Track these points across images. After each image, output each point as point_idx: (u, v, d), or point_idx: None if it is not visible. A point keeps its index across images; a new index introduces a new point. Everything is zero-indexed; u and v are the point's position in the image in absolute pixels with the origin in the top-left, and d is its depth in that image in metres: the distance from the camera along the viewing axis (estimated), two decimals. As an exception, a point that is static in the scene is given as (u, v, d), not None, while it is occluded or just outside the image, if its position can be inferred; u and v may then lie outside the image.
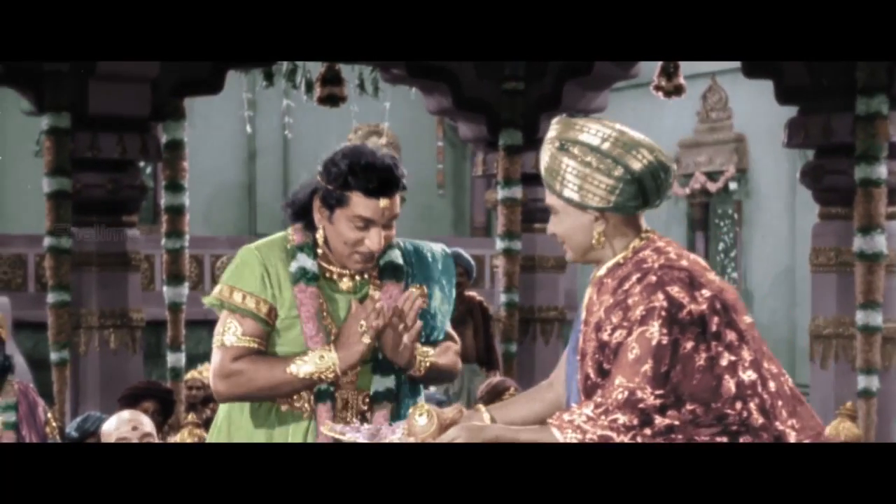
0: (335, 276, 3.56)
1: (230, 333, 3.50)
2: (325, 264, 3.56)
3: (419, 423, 3.05)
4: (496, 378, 7.60)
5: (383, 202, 3.43)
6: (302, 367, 3.44)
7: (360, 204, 3.42)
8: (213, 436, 3.68)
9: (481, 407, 3.25)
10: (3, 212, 17.12)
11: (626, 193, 3.02)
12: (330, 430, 3.32)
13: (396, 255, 3.60)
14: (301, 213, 3.56)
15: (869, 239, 8.34)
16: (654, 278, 2.97)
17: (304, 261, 3.52)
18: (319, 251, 3.56)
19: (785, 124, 9.19)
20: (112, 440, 5.05)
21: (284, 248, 3.57)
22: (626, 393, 2.90)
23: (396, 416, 3.55)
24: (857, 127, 8.35)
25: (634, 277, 3.00)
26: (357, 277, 3.57)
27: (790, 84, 8.88)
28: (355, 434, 3.24)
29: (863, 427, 8.09)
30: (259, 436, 3.56)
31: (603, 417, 2.90)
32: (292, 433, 3.53)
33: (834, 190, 8.89)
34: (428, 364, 3.56)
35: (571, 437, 2.91)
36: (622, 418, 2.89)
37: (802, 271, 12.53)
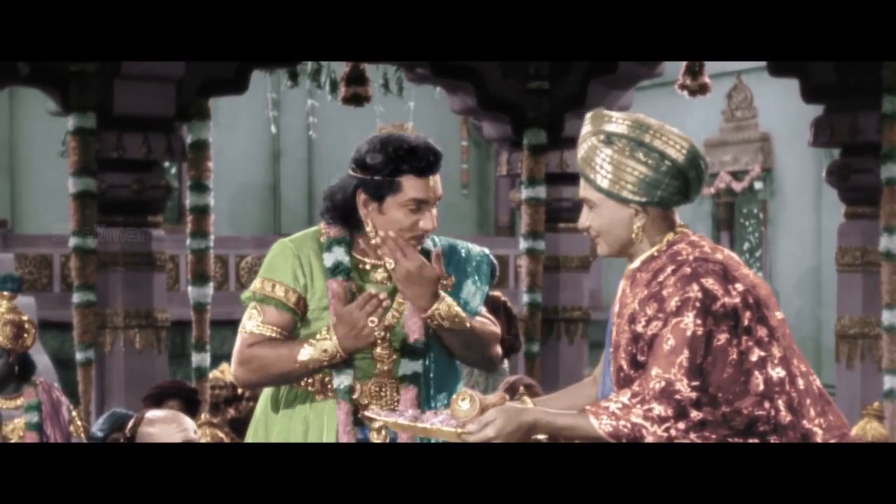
0: (368, 267, 3.59)
1: (251, 321, 3.55)
2: (359, 256, 3.59)
3: (462, 408, 3.06)
4: (514, 377, 7.60)
5: (432, 180, 3.50)
6: (306, 352, 3.47)
7: (412, 186, 3.47)
8: (252, 434, 3.71)
9: (527, 399, 3.26)
10: (29, 212, 17.19)
11: (671, 188, 3.05)
12: (375, 413, 3.33)
13: (428, 245, 3.62)
14: (345, 214, 3.57)
15: (895, 238, 8.29)
16: (688, 270, 2.98)
17: (340, 255, 3.56)
18: (355, 239, 3.59)
19: (811, 123, 9.15)
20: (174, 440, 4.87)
21: (317, 241, 3.60)
22: (664, 383, 2.90)
23: (426, 401, 3.58)
24: (884, 125, 8.31)
25: (669, 269, 3.01)
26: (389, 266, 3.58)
27: (816, 83, 8.85)
28: (398, 417, 3.25)
29: (889, 427, 8.05)
30: (296, 429, 3.57)
31: (639, 406, 2.90)
32: (327, 426, 3.55)
33: (860, 189, 8.85)
34: (452, 311, 3.52)
35: (606, 423, 2.91)
36: (658, 408, 2.89)
37: (828, 271, 12.49)
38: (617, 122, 3.05)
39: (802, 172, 15.23)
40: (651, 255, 3.09)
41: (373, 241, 3.55)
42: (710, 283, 2.95)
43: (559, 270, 9.77)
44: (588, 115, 3.13)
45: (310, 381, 3.59)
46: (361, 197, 3.51)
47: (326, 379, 3.57)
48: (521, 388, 6.56)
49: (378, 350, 3.57)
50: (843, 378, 9.09)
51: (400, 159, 3.45)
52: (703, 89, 9.27)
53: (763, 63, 9.74)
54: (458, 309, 3.55)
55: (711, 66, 9.30)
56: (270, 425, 3.64)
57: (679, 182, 3.04)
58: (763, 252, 16.08)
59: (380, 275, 3.59)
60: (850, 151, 8.94)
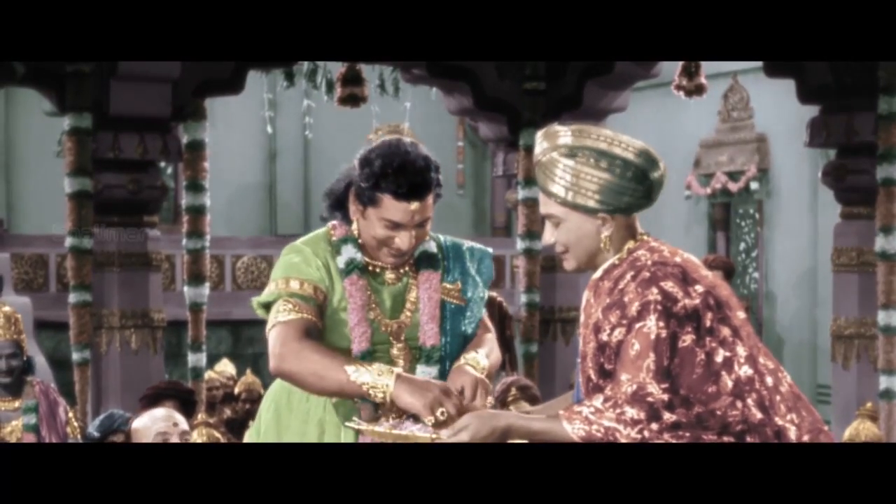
0: (378, 269, 3.56)
1: (285, 312, 3.42)
2: (367, 258, 3.56)
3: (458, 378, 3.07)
4: (511, 377, 7.60)
5: (413, 205, 3.41)
6: (359, 374, 3.30)
7: (390, 207, 3.41)
8: (259, 435, 3.64)
9: (512, 409, 3.26)
10: (25, 212, 17.18)
11: (637, 192, 3.05)
12: (355, 423, 3.32)
13: (431, 246, 3.61)
14: (337, 205, 3.56)
15: (891, 239, 8.30)
16: (647, 274, 2.99)
17: (352, 252, 3.53)
18: (360, 242, 3.56)
19: (807, 124, 9.16)
20: (151, 436, 4.98)
21: (329, 241, 3.56)
22: (635, 386, 2.91)
23: None
24: (880, 126, 8.32)
25: (629, 276, 3.03)
26: (400, 269, 3.58)
27: (812, 83, 8.86)
28: (376, 425, 3.24)
29: (884, 428, 8.06)
30: (311, 433, 3.53)
31: (611, 410, 2.91)
32: (344, 431, 3.48)
33: (856, 189, 8.87)
34: (485, 371, 3.51)
35: (579, 427, 2.92)
36: (630, 411, 2.90)
37: (824, 271, 12.49)
38: (573, 135, 3.05)
39: (798, 173, 15.24)
40: (612, 264, 3.11)
41: (360, 241, 3.54)
42: (669, 285, 2.96)
43: (556, 271, 9.78)
44: (540, 133, 3.12)
45: None
46: (351, 196, 3.51)
47: None
48: (514, 391, 6.56)
49: (394, 351, 3.54)
50: (838, 378, 9.10)
51: (381, 177, 3.39)
52: (699, 90, 9.28)
53: (759, 64, 9.74)
54: (484, 365, 3.50)
55: (707, 67, 9.31)
56: (282, 428, 3.58)
57: (644, 186, 3.05)
58: (759, 252, 16.08)
59: (388, 276, 3.57)
60: (846, 152, 8.95)
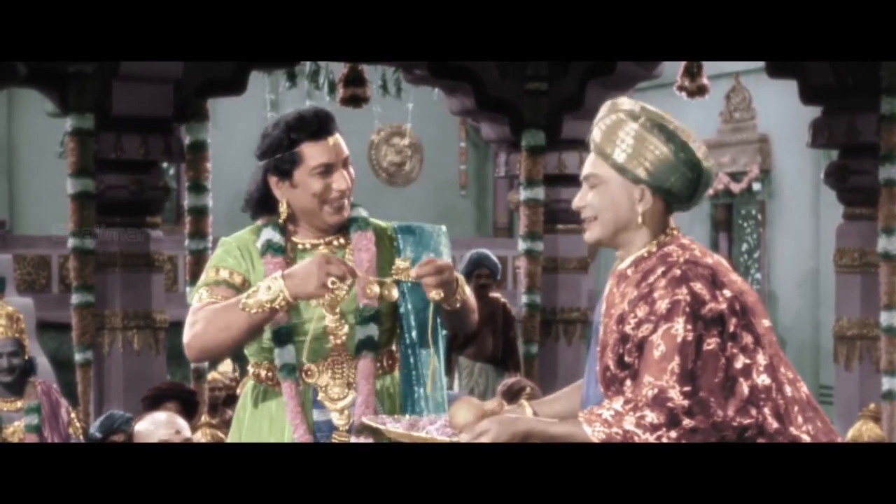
0: (308, 247, 3.58)
1: (196, 300, 3.51)
2: (296, 239, 3.58)
3: (458, 416, 3.05)
4: (512, 378, 7.61)
5: (332, 140, 3.50)
6: (255, 299, 3.32)
7: (312, 153, 3.47)
8: (231, 435, 3.71)
9: (524, 402, 3.25)
10: (27, 213, 17.18)
11: (684, 178, 3.04)
12: (371, 420, 3.31)
13: (358, 210, 3.63)
14: (260, 204, 3.59)
15: (893, 239, 8.30)
16: (678, 272, 2.97)
17: (270, 234, 3.56)
18: (289, 227, 3.58)
19: (809, 124, 9.16)
20: (153, 441, 4.99)
21: (255, 231, 3.61)
22: (656, 390, 2.89)
23: (382, 367, 3.58)
24: (882, 127, 8.32)
25: (659, 271, 3.00)
26: (333, 243, 3.58)
27: (814, 84, 8.86)
28: (394, 424, 3.23)
29: (887, 429, 8.06)
30: (263, 426, 3.56)
31: (631, 413, 2.89)
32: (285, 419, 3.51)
33: (858, 190, 8.86)
34: (464, 296, 3.51)
35: (599, 430, 2.90)
36: (650, 416, 2.88)
37: (826, 272, 12.48)
38: (643, 107, 3.08)
39: (801, 174, 15.23)
40: (641, 256, 3.08)
41: (282, 222, 3.55)
42: (698, 287, 2.94)
43: (557, 272, 9.78)
44: (607, 103, 3.13)
45: (268, 374, 3.56)
46: (273, 180, 3.53)
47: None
48: (529, 389, 6.57)
49: (329, 323, 3.52)
50: (841, 379, 9.09)
51: (291, 129, 3.48)
52: (701, 90, 9.28)
53: (761, 64, 9.74)
54: (466, 288, 3.53)
55: (710, 68, 9.31)
56: (241, 425, 3.63)
57: (693, 176, 3.04)
58: (761, 253, 16.07)
59: (322, 251, 3.55)
60: (848, 153, 8.95)
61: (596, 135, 3.10)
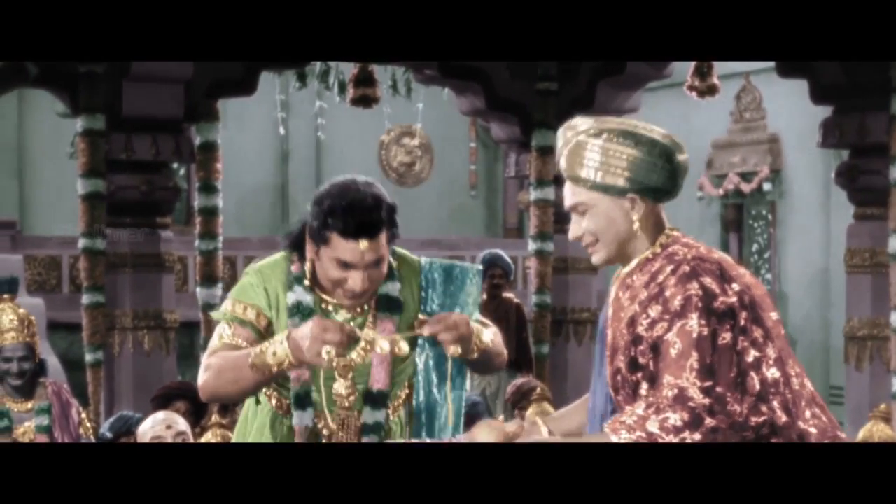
0: (331, 308, 3.51)
1: (217, 337, 3.47)
2: (322, 295, 3.50)
3: (482, 438, 3.05)
4: (521, 379, 7.60)
5: (363, 245, 3.33)
6: (260, 358, 3.30)
7: (339, 246, 3.34)
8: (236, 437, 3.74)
9: (538, 420, 3.24)
10: (38, 214, 17.21)
11: (664, 171, 3.03)
12: None
13: (393, 288, 3.53)
14: (294, 245, 3.51)
15: (904, 240, 8.28)
16: (687, 268, 2.97)
17: (302, 295, 3.48)
18: (308, 283, 3.51)
19: (819, 124, 9.15)
20: (147, 440, 5.07)
21: (287, 272, 3.52)
22: (677, 390, 2.88)
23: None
24: (892, 126, 8.30)
25: (668, 269, 3.00)
26: (357, 308, 3.51)
27: (825, 83, 8.85)
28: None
29: (898, 429, 8.03)
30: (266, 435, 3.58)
31: (654, 416, 2.88)
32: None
33: (869, 190, 8.85)
34: (483, 346, 3.48)
35: (625, 437, 2.89)
36: (673, 417, 2.87)
37: (837, 272, 12.47)
38: (596, 121, 3.06)
39: (811, 174, 15.21)
40: (646, 258, 3.07)
41: (306, 281, 3.49)
42: (708, 281, 2.95)
43: (567, 272, 9.78)
44: (561, 128, 3.11)
45: (278, 403, 3.55)
46: (307, 235, 3.44)
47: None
48: (539, 390, 6.57)
49: (339, 388, 3.51)
50: (851, 379, 9.08)
51: (330, 215, 3.33)
52: (711, 90, 9.27)
53: (772, 64, 9.72)
54: (485, 338, 3.49)
55: (720, 68, 9.30)
56: (247, 423, 3.65)
57: (671, 166, 3.03)
58: (772, 253, 16.06)
59: (342, 316, 3.50)
60: (858, 152, 8.93)
61: (563, 164, 3.09)
